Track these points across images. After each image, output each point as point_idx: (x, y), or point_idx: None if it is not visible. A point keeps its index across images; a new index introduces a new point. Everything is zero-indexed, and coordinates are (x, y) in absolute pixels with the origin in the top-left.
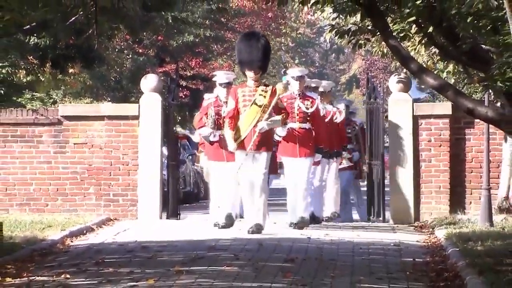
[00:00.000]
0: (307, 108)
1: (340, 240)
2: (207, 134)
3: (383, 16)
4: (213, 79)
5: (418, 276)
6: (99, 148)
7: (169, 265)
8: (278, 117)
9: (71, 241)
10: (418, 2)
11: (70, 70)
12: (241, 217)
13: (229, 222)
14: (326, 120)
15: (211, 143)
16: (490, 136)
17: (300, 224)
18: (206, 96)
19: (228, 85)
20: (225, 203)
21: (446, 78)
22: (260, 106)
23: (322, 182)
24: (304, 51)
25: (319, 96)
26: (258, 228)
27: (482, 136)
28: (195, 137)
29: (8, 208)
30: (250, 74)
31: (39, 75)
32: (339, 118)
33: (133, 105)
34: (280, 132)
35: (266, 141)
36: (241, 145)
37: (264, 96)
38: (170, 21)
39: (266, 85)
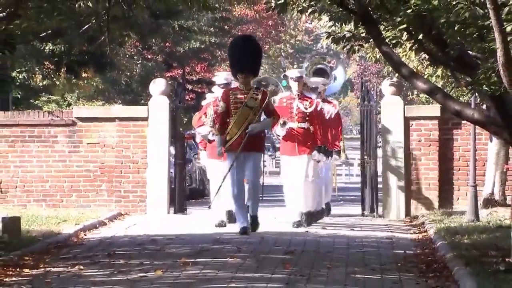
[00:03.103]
0: (306, 108)
1: (336, 234)
2: (205, 133)
3: (376, 24)
4: (213, 79)
5: (409, 268)
6: (111, 148)
7: (176, 257)
8: (269, 120)
9: (85, 235)
10: (409, 11)
11: (84, 75)
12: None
13: (230, 219)
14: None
15: (210, 141)
16: (476, 137)
17: (301, 223)
18: (209, 96)
19: (226, 85)
20: (223, 201)
21: (435, 82)
22: (251, 109)
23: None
24: (302, 56)
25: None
26: (255, 222)
27: (469, 136)
28: (197, 137)
29: (25, 203)
30: (241, 77)
31: (54, 79)
32: (333, 111)
33: (142, 108)
34: (279, 132)
35: (257, 142)
36: (231, 147)
37: (256, 99)
38: (177, 28)
39: (258, 88)
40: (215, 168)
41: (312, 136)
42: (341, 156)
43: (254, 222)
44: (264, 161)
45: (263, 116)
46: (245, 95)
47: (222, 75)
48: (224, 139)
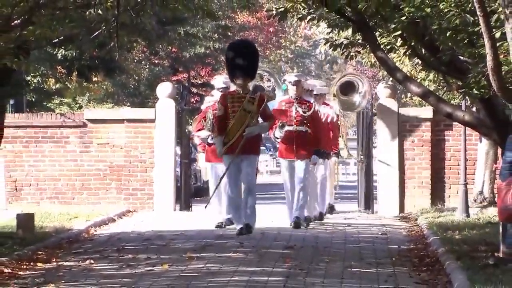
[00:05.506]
0: (304, 112)
1: (333, 230)
2: (204, 136)
3: (372, 31)
4: (212, 82)
5: (402, 262)
6: (120, 148)
7: (181, 251)
8: (266, 123)
9: (95, 231)
10: (403, 18)
11: (94, 79)
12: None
13: (229, 224)
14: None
15: (209, 145)
16: (467, 137)
17: (296, 225)
18: (207, 99)
19: (225, 89)
20: (222, 204)
21: (427, 86)
22: (248, 112)
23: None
24: (302, 61)
25: (313, 100)
26: (248, 229)
27: (460, 137)
28: (196, 140)
29: (39, 201)
30: (239, 81)
31: (66, 83)
32: (332, 115)
33: (150, 110)
34: (277, 134)
35: (254, 145)
36: (229, 150)
37: (253, 103)
38: (183, 35)
39: (255, 92)
40: (212, 171)
41: (310, 140)
42: (339, 157)
43: (247, 229)
44: (265, 160)
45: (260, 120)
46: (242, 99)
47: (221, 79)
48: (224, 141)
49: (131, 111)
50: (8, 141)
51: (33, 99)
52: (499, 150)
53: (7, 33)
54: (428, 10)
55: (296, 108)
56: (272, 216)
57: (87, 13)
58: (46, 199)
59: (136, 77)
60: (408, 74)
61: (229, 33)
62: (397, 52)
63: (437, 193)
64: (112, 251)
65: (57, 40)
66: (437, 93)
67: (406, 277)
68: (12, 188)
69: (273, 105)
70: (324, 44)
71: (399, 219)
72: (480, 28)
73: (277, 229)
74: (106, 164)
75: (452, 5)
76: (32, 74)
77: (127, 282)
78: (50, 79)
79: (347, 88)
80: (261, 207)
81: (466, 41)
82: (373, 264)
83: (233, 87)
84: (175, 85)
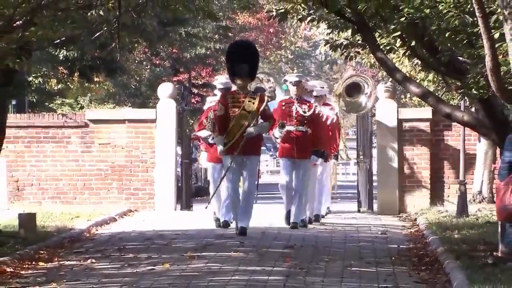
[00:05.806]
0: (305, 112)
1: (333, 229)
2: (206, 136)
3: (372, 32)
4: (213, 82)
5: (402, 261)
6: (121, 148)
7: (182, 251)
8: (266, 124)
9: (96, 230)
10: (402, 19)
11: (96, 79)
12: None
13: (225, 225)
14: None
15: (210, 145)
16: (466, 137)
17: (293, 226)
18: (209, 99)
19: (226, 90)
20: (222, 205)
21: (427, 86)
22: (249, 112)
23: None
24: (302, 62)
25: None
26: (243, 231)
27: (459, 137)
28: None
29: (41, 201)
30: (239, 81)
31: (68, 83)
32: (333, 116)
33: (151, 110)
34: (277, 134)
35: (254, 146)
36: (229, 150)
37: (253, 103)
38: (184, 35)
39: (255, 92)
40: (213, 171)
41: (310, 140)
42: (339, 159)
43: (242, 233)
44: (265, 160)
45: (260, 120)
46: (243, 99)
47: (222, 79)
48: (225, 141)
49: (132, 111)
50: (10, 141)
51: (35, 100)
52: (498, 150)
53: (9, 34)
54: (428, 11)
55: (296, 108)
56: (272, 216)
57: (89, 14)
58: (48, 199)
59: (137, 78)
60: (408, 75)
61: (230, 34)
62: (397, 52)
63: (436, 193)
64: (113, 251)
65: (58, 41)
66: (436, 94)
67: (405, 276)
68: (14, 188)
69: (273, 105)
70: (324, 45)
71: (398, 219)
72: (479, 29)
73: (277, 228)
74: (108, 164)
75: (451, 6)
76: (34, 75)
77: (128, 281)
78: (51, 80)
79: (353, 89)
80: (261, 207)
81: (465, 41)
82: (373, 263)
83: (233, 88)
84: (176, 86)
